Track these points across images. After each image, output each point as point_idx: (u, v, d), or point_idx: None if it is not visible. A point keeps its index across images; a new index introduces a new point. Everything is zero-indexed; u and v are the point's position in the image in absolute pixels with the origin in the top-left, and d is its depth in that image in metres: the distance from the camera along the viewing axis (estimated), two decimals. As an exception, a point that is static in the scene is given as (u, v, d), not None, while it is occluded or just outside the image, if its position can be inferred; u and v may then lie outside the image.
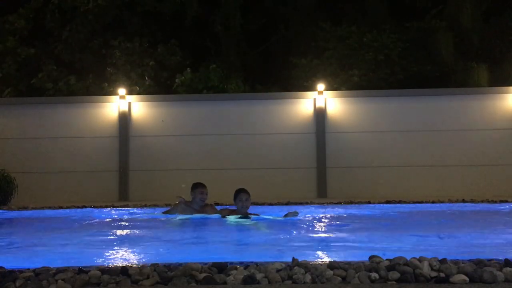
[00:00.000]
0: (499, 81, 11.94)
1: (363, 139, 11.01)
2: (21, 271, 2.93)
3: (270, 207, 8.27)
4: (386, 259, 3.02)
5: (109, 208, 8.71)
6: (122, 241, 5.50)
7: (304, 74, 12.74)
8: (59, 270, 2.92)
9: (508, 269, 2.80)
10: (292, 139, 11.07)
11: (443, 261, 2.94)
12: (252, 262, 3.12)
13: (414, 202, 8.90)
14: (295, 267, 2.89)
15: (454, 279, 2.71)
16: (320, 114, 11.02)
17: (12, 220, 7.96)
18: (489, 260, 3.04)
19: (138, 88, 12.26)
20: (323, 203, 8.99)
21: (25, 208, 8.75)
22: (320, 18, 13.72)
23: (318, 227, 6.31)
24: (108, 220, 7.55)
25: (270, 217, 6.59)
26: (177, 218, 6.59)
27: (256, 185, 10.56)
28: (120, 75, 12.61)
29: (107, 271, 2.91)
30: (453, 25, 13.19)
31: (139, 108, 11.26)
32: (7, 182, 9.58)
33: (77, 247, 4.80)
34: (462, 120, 10.99)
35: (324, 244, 5.04)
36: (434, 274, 2.79)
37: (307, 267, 2.89)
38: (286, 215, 6.47)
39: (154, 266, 2.98)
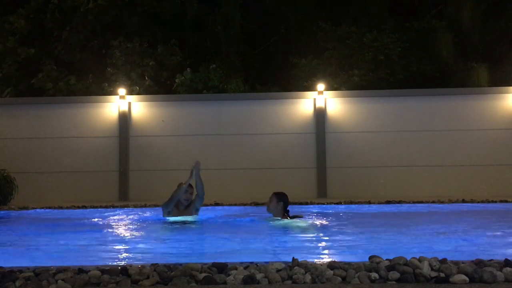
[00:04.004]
0: (499, 81, 11.95)
1: (363, 139, 11.01)
2: (21, 271, 2.93)
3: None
4: (386, 259, 3.02)
5: (109, 208, 8.72)
6: (122, 241, 5.50)
7: (304, 74, 12.74)
8: (59, 270, 2.92)
9: (508, 269, 2.80)
10: (292, 139, 11.07)
11: (443, 261, 2.94)
12: (252, 262, 3.12)
13: (414, 202, 8.90)
14: (295, 267, 2.89)
15: (454, 279, 2.71)
16: (320, 114, 11.02)
17: (12, 220, 7.96)
18: (489, 260, 3.03)
19: (138, 88, 12.26)
20: (323, 203, 8.99)
21: (25, 208, 8.76)
22: (320, 18, 13.71)
23: (318, 227, 6.31)
24: (108, 220, 7.55)
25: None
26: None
27: (256, 185, 10.59)
28: (120, 75, 12.60)
29: (107, 271, 2.91)
30: (453, 25, 13.20)
31: (139, 108, 11.27)
32: (7, 182, 9.59)
33: (77, 247, 4.80)
34: (462, 120, 10.99)
35: (324, 244, 5.04)
36: (434, 274, 2.79)
37: (307, 267, 2.89)
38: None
39: (154, 266, 2.98)
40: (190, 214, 6.50)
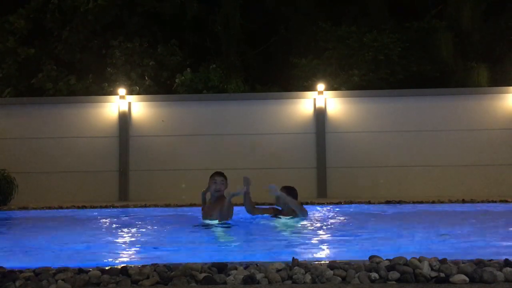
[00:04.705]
0: (499, 81, 11.95)
1: (363, 139, 11.01)
2: (21, 271, 2.93)
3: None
4: (386, 259, 3.02)
5: (109, 208, 8.71)
6: (122, 241, 5.50)
7: (304, 74, 12.74)
8: (59, 270, 2.92)
9: (508, 269, 2.79)
10: (292, 139, 11.07)
11: (443, 261, 2.94)
12: (252, 262, 3.12)
13: (414, 202, 8.90)
14: (295, 267, 2.88)
15: (454, 279, 2.71)
16: (320, 114, 11.02)
17: (12, 220, 7.96)
18: (489, 260, 3.03)
19: (138, 88, 12.26)
20: (323, 203, 8.99)
21: (25, 208, 8.76)
22: (320, 18, 13.71)
23: (318, 227, 6.31)
24: (108, 220, 7.55)
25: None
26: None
27: (256, 185, 10.56)
28: (120, 75, 12.61)
29: (107, 271, 2.91)
30: (453, 25, 13.20)
31: (139, 108, 11.27)
32: (7, 182, 9.57)
33: (77, 247, 4.80)
34: (462, 120, 10.99)
35: (324, 244, 5.04)
36: (434, 274, 2.79)
37: (307, 267, 2.89)
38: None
39: (154, 266, 2.98)
40: (221, 210, 6.16)
